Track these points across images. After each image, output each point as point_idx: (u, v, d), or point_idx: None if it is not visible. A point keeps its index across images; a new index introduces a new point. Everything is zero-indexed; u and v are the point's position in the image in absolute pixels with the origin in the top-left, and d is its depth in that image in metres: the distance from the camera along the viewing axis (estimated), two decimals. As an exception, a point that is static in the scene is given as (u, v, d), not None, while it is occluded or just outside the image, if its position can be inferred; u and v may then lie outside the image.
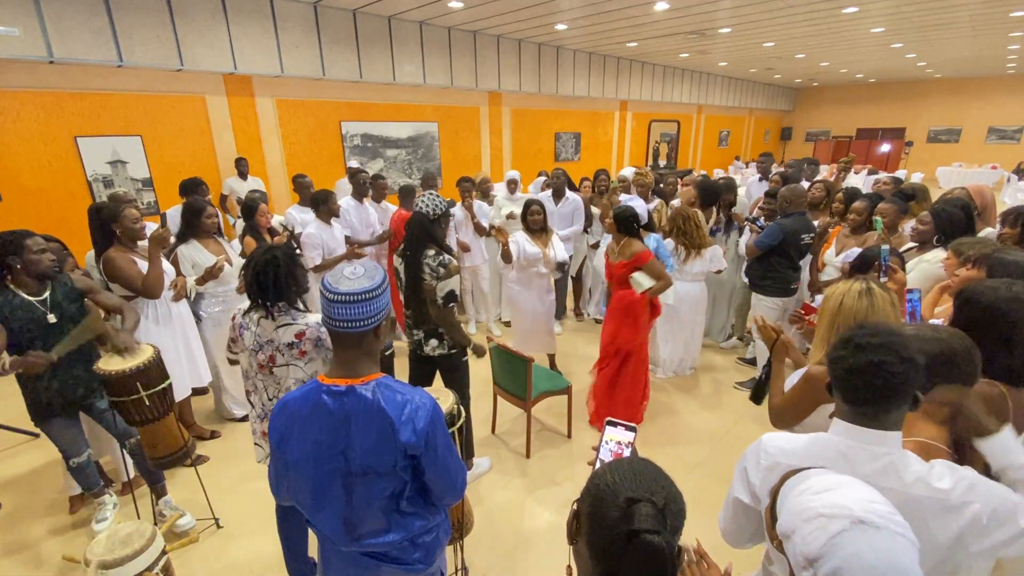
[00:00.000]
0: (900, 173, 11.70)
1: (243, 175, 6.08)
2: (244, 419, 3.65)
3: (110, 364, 2.19)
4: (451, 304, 2.59)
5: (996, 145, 16.30)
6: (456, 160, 8.82)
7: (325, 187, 4.40)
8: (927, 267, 2.72)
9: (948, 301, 2.24)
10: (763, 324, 1.98)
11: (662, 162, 13.20)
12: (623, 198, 4.95)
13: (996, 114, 16.19)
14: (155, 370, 2.26)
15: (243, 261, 2.28)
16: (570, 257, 5.00)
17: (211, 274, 3.17)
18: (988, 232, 3.18)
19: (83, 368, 2.40)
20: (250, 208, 3.58)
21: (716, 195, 4.56)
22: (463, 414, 1.98)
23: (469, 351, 2.80)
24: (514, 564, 2.48)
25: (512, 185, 5.23)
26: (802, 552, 0.78)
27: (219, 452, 3.33)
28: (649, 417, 3.65)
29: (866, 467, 1.07)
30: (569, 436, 3.48)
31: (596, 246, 5.26)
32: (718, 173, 12.44)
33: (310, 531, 1.43)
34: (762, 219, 4.09)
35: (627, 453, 1.15)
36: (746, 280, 4.08)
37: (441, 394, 1.99)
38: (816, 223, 3.93)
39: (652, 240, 3.50)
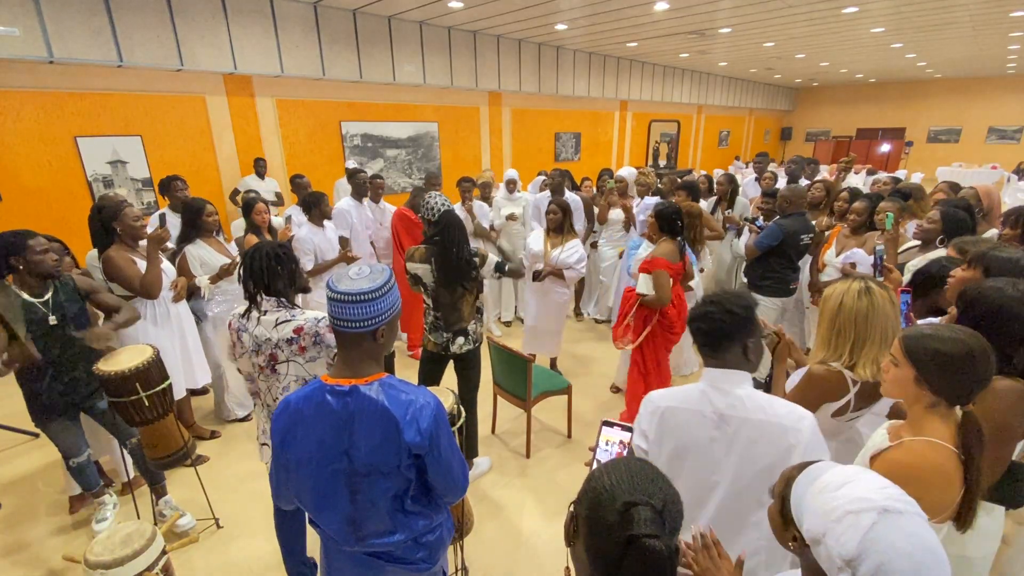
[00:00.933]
0: (900, 173, 11.70)
1: (260, 175, 6.12)
2: (245, 419, 3.65)
3: (109, 365, 2.19)
4: (505, 268, 2.78)
5: (996, 145, 16.27)
6: (456, 160, 8.81)
7: (326, 187, 4.38)
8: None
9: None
10: (763, 326, 1.97)
11: (662, 162, 13.17)
12: (646, 200, 4.93)
13: (996, 114, 16.17)
14: (154, 371, 2.26)
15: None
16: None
17: (227, 271, 3.17)
18: (991, 234, 3.18)
19: (84, 370, 2.40)
20: (248, 207, 3.59)
21: (697, 192, 4.59)
22: (463, 413, 1.99)
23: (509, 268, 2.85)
24: (514, 564, 2.48)
25: (511, 185, 5.20)
26: (839, 554, 0.76)
27: (219, 452, 3.33)
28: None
29: (720, 402, 1.35)
30: (569, 436, 3.49)
31: (596, 246, 5.26)
32: (718, 173, 12.41)
33: (310, 530, 1.42)
34: (760, 219, 4.08)
35: (625, 453, 1.15)
36: (745, 280, 4.07)
37: (441, 394, 1.99)
38: (815, 223, 3.93)
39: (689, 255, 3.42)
